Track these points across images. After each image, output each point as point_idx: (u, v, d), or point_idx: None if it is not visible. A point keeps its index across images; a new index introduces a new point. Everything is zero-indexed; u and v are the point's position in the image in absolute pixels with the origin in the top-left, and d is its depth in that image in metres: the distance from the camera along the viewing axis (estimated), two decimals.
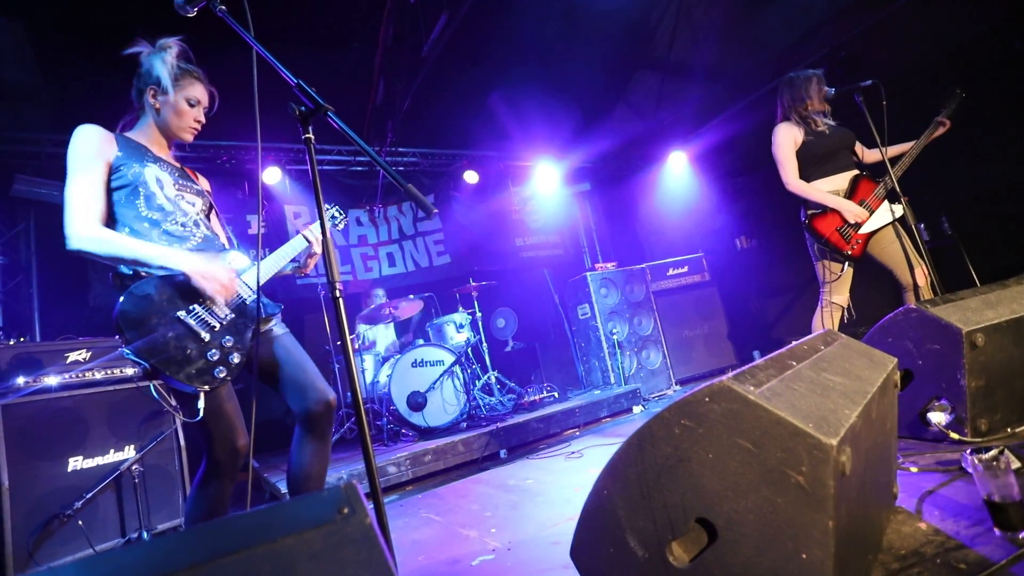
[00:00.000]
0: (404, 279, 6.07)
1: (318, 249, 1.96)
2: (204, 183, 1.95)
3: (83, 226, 1.51)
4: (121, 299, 1.52)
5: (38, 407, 2.58)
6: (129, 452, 2.79)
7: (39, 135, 4.27)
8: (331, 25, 4.73)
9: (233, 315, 1.67)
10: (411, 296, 4.75)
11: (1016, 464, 1.50)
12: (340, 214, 2.23)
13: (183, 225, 1.70)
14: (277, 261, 1.88)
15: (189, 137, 1.80)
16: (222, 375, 1.56)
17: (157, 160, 1.73)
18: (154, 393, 1.48)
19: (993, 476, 1.20)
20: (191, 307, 1.60)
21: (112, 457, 2.74)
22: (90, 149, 1.59)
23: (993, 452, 1.21)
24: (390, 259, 6.13)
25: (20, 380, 2.58)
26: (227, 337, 1.62)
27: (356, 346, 4.81)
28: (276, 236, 5.49)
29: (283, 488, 2.61)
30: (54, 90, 4.22)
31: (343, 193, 5.98)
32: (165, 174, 1.72)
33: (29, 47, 3.96)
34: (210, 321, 1.61)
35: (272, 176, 5.37)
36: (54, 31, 3.92)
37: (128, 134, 1.75)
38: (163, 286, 1.58)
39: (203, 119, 1.82)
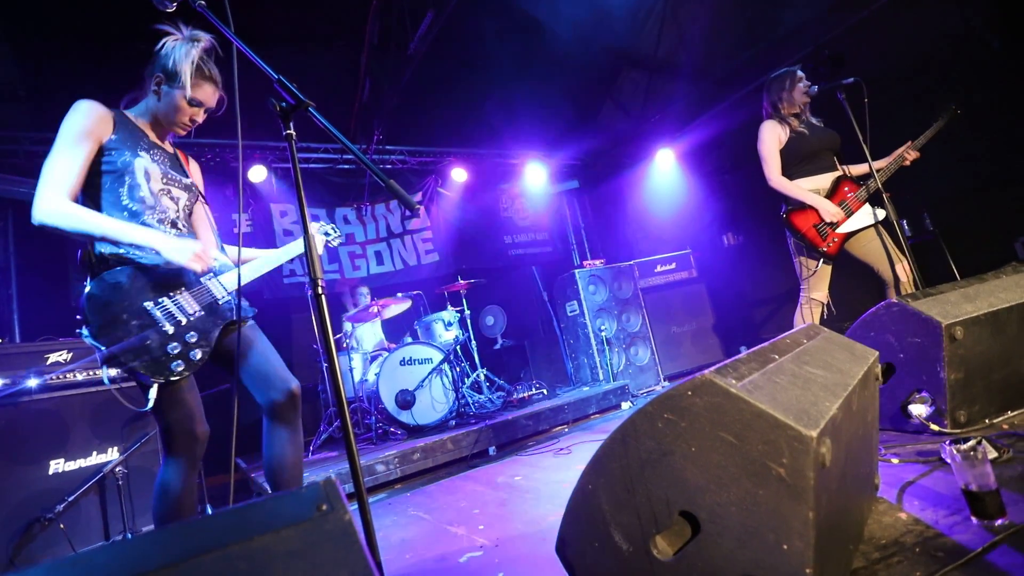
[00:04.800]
0: (392, 277, 6.03)
1: (320, 251, 1.98)
2: (195, 172, 1.95)
3: (49, 200, 1.47)
4: (90, 284, 1.53)
5: (18, 409, 2.54)
6: (112, 454, 2.75)
7: (17, 133, 4.19)
8: (316, 23, 4.68)
9: (203, 312, 1.67)
10: (399, 294, 4.73)
11: (993, 454, 1.53)
12: (334, 231, 2.15)
13: (160, 221, 1.70)
14: (268, 262, 1.86)
15: (180, 132, 1.80)
16: (179, 369, 1.56)
17: (151, 148, 1.73)
18: (106, 380, 1.48)
19: (971, 466, 1.22)
20: (159, 299, 1.60)
21: (95, 459, 2.70)
22: (82, 127, 1.56)
23: (971, 443, 1.24)
24: (378, 257, 6.09)
25: None
26: (191, 333, 1.62)
27: (344, 344, 4.78)
28: (262, 235, 5.43)
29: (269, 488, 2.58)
30: (32, 87, 4.14)
31: (330, 191, 5.92)
32: (155, 166, 1.71)
33: (6, 44, 3.89)
34: (176, 315, 1.61)
35: (257, 174, 5.31)
36: (32, 27, 3.85)
37: (129, 112, 1.74)
38: (135, 276, 1.58)
39: (200, 120, 1.80)
